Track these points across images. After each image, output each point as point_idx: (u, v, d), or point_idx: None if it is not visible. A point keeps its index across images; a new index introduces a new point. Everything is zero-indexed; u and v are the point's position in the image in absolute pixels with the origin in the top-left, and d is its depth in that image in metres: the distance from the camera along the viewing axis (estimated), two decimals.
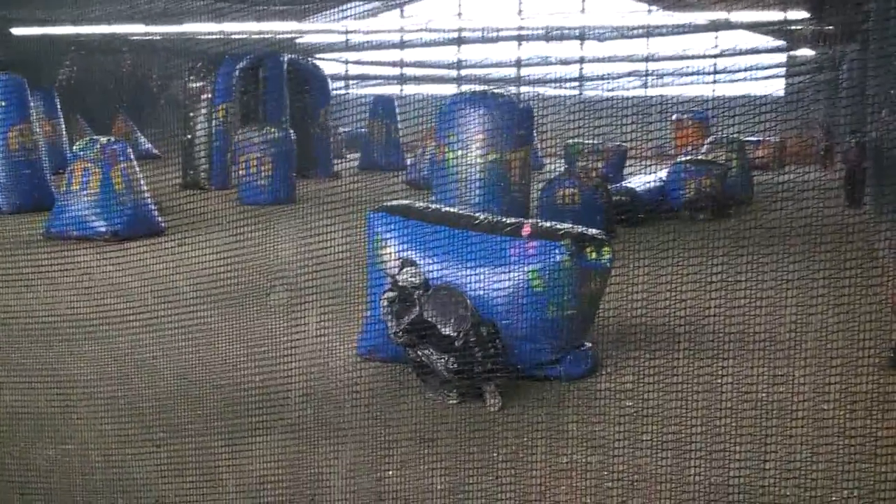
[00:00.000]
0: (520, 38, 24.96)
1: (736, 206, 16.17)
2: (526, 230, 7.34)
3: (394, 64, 27.09)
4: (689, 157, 17.76)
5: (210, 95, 20.35)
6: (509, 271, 7.10)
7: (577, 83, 24.89)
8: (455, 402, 6.69)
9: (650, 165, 18.72)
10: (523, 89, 22.32)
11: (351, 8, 22.23)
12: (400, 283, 6.91)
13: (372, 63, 27.78)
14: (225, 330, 7.52)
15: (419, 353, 6.74)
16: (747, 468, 5.19)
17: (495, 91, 13.40)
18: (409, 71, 26.99)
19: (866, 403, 5.34)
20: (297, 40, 27.12)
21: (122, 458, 5.69)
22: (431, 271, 7.15)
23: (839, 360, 5.54)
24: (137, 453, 5.73)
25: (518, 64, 25.67)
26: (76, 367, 7.20)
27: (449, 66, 25.50)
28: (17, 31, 22.64)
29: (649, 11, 27.17)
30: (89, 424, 6.19)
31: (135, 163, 14.23)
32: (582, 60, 25.41)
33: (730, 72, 22.87)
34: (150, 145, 25.42)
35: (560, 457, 5.69)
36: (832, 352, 5.63)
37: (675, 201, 15.99)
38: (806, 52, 23.15)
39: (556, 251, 7.12)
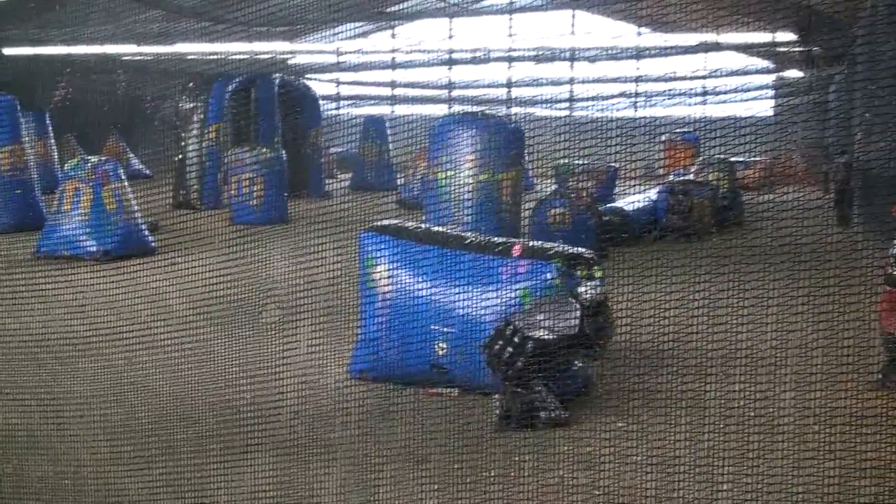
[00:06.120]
0: (510, 60, 25.09)
1: (725, 226, 16.25)
2: (516, 250, 7.41)
3: (385, 84, 27.18)
4: (678, 178, 17.91)
5: (202, 116, 20.41)
6: (500, 291, 7.15)
7: (567, 104, 25.00)
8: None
9: (640, 186, 18.79)
10: (514, 110, 22.41)
11: (342, 29, 22.32)
12: (583, 299, 6.84)
13: (363, 84, 27.88)
14: (217, 348, 7.55)
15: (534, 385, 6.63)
16: (732, 485, 5.24)
17: (486, 112, 13.47)
18: (400, 92, 27.09)
19: (850, 421, 5.40)
20: (289, 61, 27.19)
21: (114, 476, 5.71)
22: (422, 290, 7.20)
23: (824, 378, 5.60)
24: (130, 471, 5.75)
25: (508, 85, 25.79)
26: (69, 385, 7.21)
27: (440, 87, 25.58)
28: (8, 50, 22.64)
29: (639, 34, 27.34)
30: (82, 442, 6.21)
31: (126, 183, 14.25)
32: (572, 81, 25.55)
33: (719, 93, 23.01)
34: (141, 165, 25.43)
35: (549, 475, 5.73)
36: (817, 370, 5.69)
37: (665, 221, 16.11)
38: (794, 73, 23.34)
39: (547, 271, 7.19)
